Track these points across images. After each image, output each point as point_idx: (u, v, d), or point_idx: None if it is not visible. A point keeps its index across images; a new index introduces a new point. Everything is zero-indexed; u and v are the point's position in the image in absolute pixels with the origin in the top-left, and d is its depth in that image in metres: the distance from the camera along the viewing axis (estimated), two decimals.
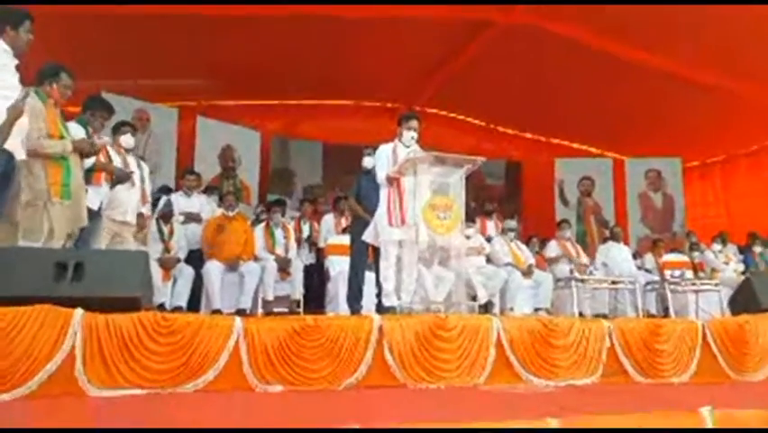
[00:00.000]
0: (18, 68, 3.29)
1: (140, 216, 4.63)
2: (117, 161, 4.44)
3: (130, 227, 4.46)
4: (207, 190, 7.18)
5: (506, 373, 3.66)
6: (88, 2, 5.95)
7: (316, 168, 9.91)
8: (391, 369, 3.39)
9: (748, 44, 6.95)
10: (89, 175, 4.10)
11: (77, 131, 4.02)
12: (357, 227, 4.86)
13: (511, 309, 6.13)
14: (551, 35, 7.39)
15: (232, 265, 5.53)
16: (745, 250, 8.24)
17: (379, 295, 4.59)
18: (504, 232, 7.07)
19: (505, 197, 10.66)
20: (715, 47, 7.07)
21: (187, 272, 5.47)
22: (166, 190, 6.73)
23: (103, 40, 6.68)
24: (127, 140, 4.47)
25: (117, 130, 4.62)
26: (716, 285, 6.52)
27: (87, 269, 3.12)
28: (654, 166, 10.62)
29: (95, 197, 4.17)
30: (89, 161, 4.08)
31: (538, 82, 8.68)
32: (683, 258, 7.81)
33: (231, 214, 5.87)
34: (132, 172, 4.48)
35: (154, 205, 5.87)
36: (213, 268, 5.43)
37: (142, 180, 4.64)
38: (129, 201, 4.43)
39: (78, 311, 2.91)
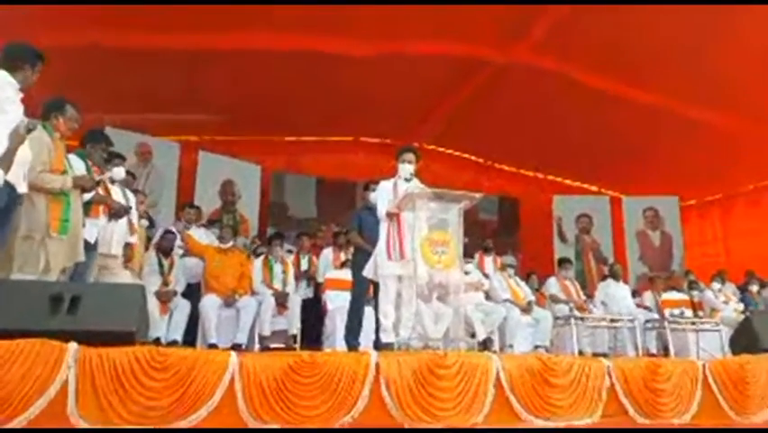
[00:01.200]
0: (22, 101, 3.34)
1: (126, 246, 4.62)
2: (117, 195, 4.45)
3: (116, 259, 4.45)
4: (208, 224, 7.19)
5: (505, 413, 3.60)
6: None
7: (310, 202, 9.94)
8: (388, 407, 3.33)
9: (746, 84, 7.04)
10: (88, 208, 4.11)
11: (76, 163, 4.05)
12: (359, 261, 4.83)
13: (510, 346, 6.07)
14: (548, 74, 7.50)
15: (228, 300, 5.48)
16: (743, 289, 8.21)
17: (377, 331, 4.55)
18: (503, 268, 7.04)
19: (498, 232, 10.68)
20: (713, 87, 7.16)
21: (183, 306, 5.43)
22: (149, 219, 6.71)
23: (105, 74, 6.76)
24: (119, 172, 4.46)
25: (108, 161, 4.62)
26: (716, 324, 6.47)
27: (83, 302, 3.11)
28: (652, 204, 10.69)
29: (92, 229, 4.17)
30: (88, 194, 4.11)
31: (536, 120, 8.77)
32: (683, 297, 7.77)
33: (225, 246, 5.86)
34: (130, 207, 4.49)
35: (149, 238, 5.91)
36: (209, 302, 5.39)
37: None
38: (114, 233, 4.40)
39: (73, 345, 2.88)
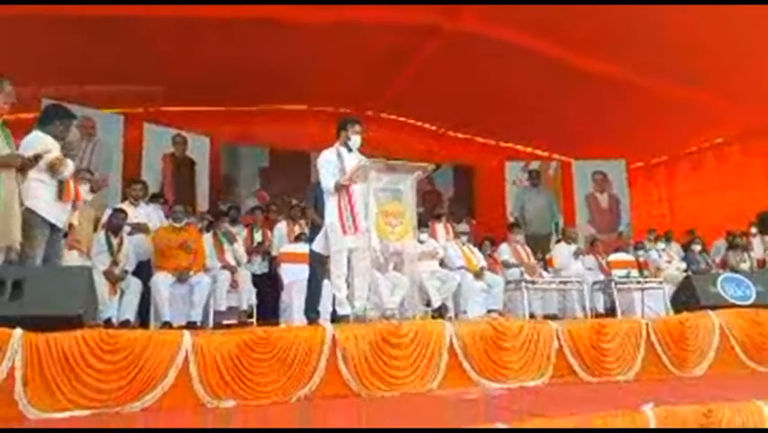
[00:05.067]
0: None
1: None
2: None
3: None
4: (153, 198, 7.00)
5: (459, 378, 3.71)
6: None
7: (263, 174, 9.83)
8: (345, 378, 3.39)
9: (689, 51, 7.21)
10: (61, 191, 3.99)
11: (45, 140, 3.95)
12: (316, 235, 4.80)
13: (464, 312, 6.20)
14: (498, 41, 7.52)
15: (181, 277, 5.40)
16: (687, 248, 8.57)
17: (333, 303, 4.56)
18: (456, 235, 7.14)
19: (454, 200, 10.82)
20: (659, 54, 7.32)
21: (134, 285, 5.32)
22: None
23: (43, 44, 6.44)
24: None
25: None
26: (659, 283, 6.74)
27: (27, 286, 3.04)
28: (600, 168, 10.94)
29: (62, 214, 4.06)
30: (67, 172, 3.99)
31: (488, 87, 8.82)
32: (629, 257, 8.06)
33: (179, 225, 5.74)
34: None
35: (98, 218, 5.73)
36: (161, 280, 5.28)
37: None
38: None
39: (18, 331, 2.81)
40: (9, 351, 2.76)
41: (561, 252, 7.51)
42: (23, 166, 3.74)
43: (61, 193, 3.98)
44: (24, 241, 3.72)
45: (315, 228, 4.87)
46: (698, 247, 8.18)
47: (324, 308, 4.81)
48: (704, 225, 9.28)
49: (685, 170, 11.26)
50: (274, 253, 6.58)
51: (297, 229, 6.67)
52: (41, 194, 3.90)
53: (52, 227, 3.98)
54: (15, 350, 2.78)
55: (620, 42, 7.25)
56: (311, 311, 4.67)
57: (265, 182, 9.81)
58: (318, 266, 4.73)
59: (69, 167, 4.02)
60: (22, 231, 3.71)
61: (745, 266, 7.93)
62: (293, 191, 9.01)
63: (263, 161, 9.86)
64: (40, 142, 3.94)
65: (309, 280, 4.76)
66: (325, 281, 4.86)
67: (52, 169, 3.90)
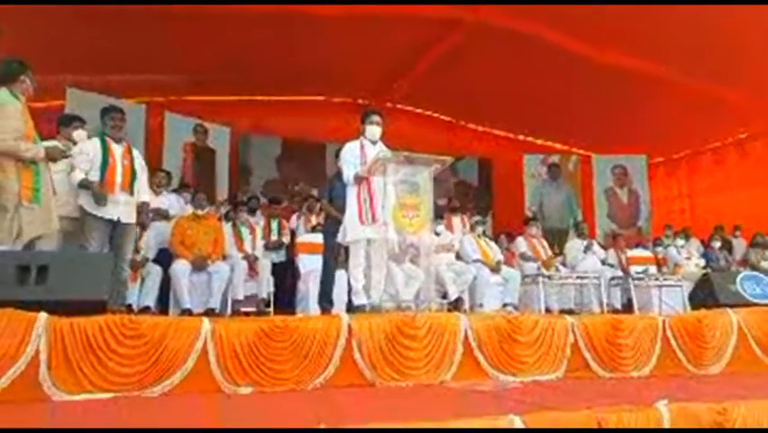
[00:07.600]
0: None
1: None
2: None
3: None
4: (178, 189, 7.09)
5: (472, 370, 3.71)
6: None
7: (276, 164, 9.95)
8: (360, 368, 3.42)
9: (712, 46, 7.12)
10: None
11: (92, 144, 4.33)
12: (330, 227, 4.85)
13: (480, 306, 6.21)
14: (518, 34, 7.48)
15: (200, 265, 5.47)
16: (706, 245, 8.48)
17: (349, 293, 4.61)
18: (473, 229, 7.15)
19: (477, 194, 10.81)
20: (679, 48, 7.23)
21: (155, 272, 5.40)
22: None
23: (66, 33, 6.53)
24: (80, 134, 4.49)
25: (68, 124, 4.57)
26: (678, 280, 6.68)
27: (52, 271, 3.10)
28: (621, 162, 10.85)
29: (111, 208, 4.24)
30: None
31: (508, 80, 8.78)
32: (647, 253, 8.00)
33: (201, 213, 5.80)
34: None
35: None
36: (180, 268, 5.35)
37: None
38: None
39: (42, 315, 2.89)
40: (34, 334, 2.83)
41: (572, 247, 7.48)
42: (59, 159, 3.90)
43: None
44: (79, 232, 4.10)
45: (329, 219, 4.92)
46: (718, 244, 8.09)
47: (339, 297, 4.86)
48: (725, 222, 9.18)
49: (707, 166, 11.14)
50: (287, 240, 6.64)
51: (313, 220, 6.73)
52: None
53: (109, 221, 4.22)
54: (40, 333, 2.85)
55: (645, 38, 7.17)
56: (324, 300, 4.74)
57: (282, 173, 9.88)
58: (331, 256, 4.79)
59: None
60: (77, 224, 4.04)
61: (766, 264, 7.83)
62: (308, 182, 9.11)
63: (280, 152, 9.93)
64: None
65: (323, 270, 4.83)
66: (340, 272, 4.92)
67: None
